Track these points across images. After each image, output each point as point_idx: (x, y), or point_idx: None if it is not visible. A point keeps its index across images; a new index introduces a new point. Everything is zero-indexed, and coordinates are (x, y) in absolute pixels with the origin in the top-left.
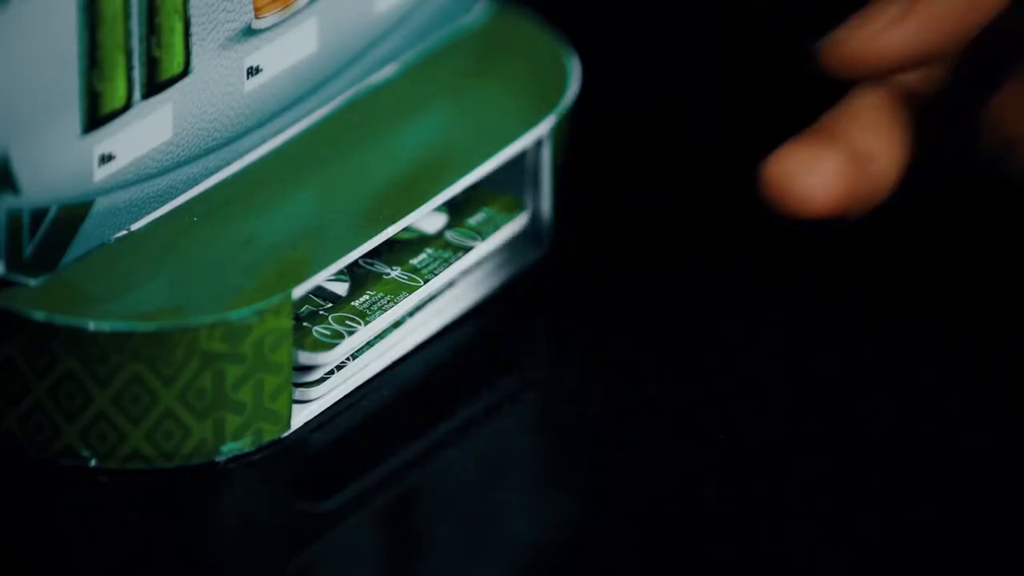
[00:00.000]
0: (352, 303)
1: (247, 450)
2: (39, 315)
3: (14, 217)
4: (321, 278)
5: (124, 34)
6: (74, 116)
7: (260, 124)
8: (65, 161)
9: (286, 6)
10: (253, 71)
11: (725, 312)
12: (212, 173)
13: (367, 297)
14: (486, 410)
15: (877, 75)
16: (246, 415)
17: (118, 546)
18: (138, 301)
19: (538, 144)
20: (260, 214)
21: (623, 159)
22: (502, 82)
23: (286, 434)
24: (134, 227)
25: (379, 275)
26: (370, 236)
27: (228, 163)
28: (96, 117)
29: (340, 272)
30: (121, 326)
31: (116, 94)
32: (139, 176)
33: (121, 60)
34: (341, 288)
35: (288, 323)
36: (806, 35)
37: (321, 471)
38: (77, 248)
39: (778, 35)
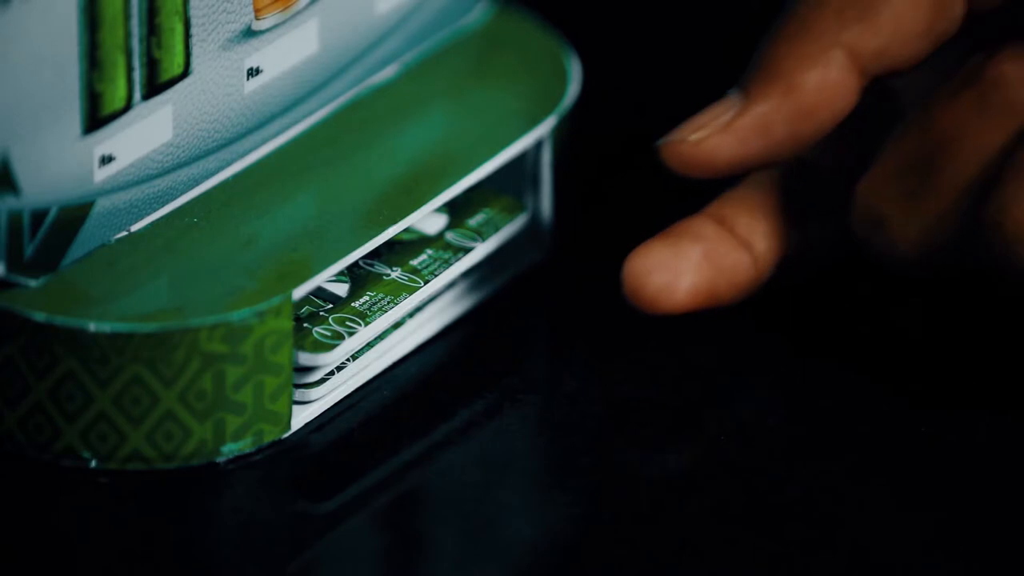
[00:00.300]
0: (352, 304)
1: (247, 451)
2: (39, 316)
3: (14, 218)
4: (321, 279)
5: (124, 35)
6: (74, 117)
7: (260, 125)
8: (65, 162)
9: (286, 7)
10: (253, 72)
11: (726, 312)
12: (212, 174)
13: (367, 298)
14: (486, 410)
15: (714, 176)
16: (246, 416)
17: (118, 546)
18: (138, 302)
19: (538, 145)
20: (260, 215)
21: (623, 159)
22: (502, 83)
23: (286, 435)
24: (134, 228)
25: (379, 276)
26: (370, 237)
27: (228, 164)
28: (96, 118)
29: (340, 273)
30: (121, 327)
31: (116, 95)
32: (139, 177)
33: (121, 61)
34: (341, 289)
35: (288, 324)
36: None
37: (321, 472)
38: (77, 249)
39: None
